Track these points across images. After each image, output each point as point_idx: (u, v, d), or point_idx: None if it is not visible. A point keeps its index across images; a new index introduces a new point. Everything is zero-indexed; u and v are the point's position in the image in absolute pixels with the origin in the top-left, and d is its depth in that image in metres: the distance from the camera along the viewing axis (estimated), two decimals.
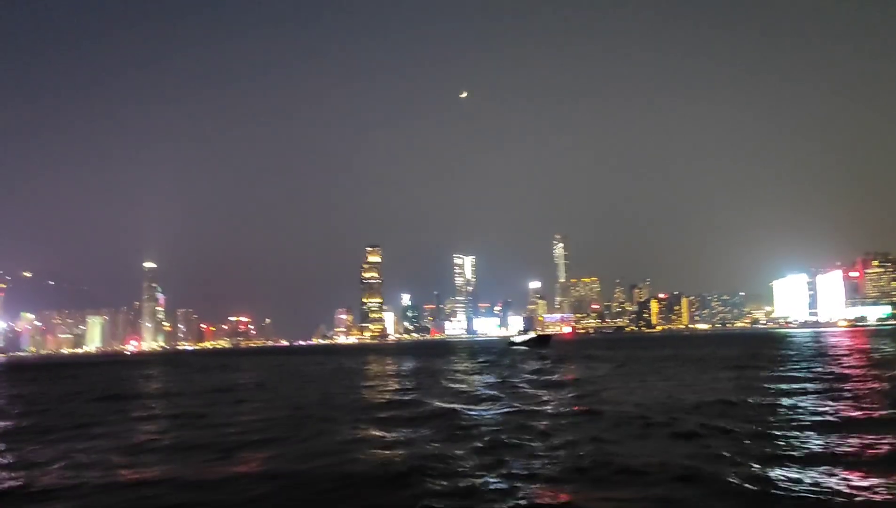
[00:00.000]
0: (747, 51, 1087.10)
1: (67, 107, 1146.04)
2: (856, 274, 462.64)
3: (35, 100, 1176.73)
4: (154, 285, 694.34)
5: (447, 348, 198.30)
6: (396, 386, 51.01)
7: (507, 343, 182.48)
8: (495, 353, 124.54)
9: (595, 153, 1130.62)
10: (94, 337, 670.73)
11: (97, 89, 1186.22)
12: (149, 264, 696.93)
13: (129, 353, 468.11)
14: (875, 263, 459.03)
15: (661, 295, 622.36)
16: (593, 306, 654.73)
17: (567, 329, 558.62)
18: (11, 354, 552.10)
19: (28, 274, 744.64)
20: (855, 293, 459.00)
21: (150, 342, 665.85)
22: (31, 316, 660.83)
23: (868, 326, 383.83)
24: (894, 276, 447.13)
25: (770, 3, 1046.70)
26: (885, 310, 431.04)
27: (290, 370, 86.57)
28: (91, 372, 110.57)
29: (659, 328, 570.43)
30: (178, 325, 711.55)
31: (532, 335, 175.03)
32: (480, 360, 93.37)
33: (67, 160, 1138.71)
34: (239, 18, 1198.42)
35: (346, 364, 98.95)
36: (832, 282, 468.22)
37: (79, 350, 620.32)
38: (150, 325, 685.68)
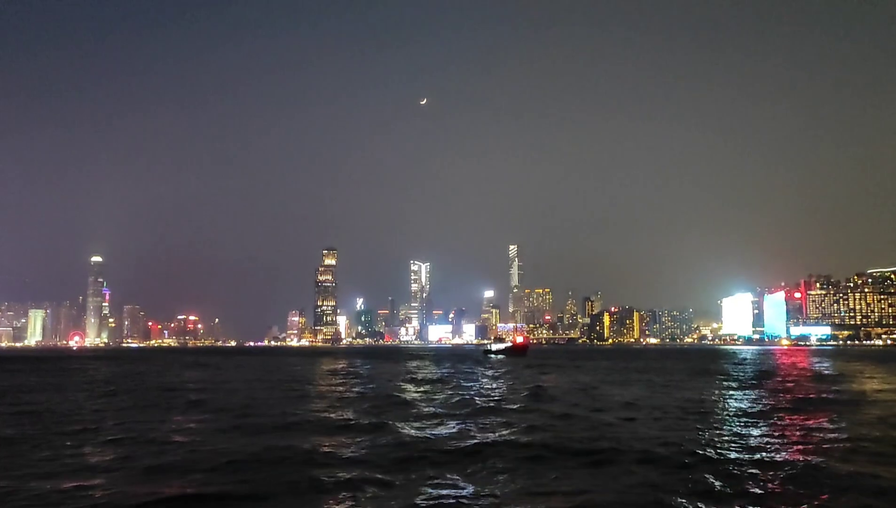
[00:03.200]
0: (701, 73, 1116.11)
1: (14, 96, 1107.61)
2: (799, 295, 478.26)
3: None
4: (100, 279, 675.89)
5: (419, 355, 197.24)
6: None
7: (483, 352, 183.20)
8: (478, 361, 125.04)
9: (552, 166, 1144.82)
10: (34, 331, 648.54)
11: (46, 80, 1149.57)
12: (95, 258, 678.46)
13: (74, 349, 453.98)
14: (818, 285, 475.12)
15: (613, 309, 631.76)
16: (546, 317, 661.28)
17: (520, 339, 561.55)
18: None
19: None
20: (798, 313, 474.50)
21: (93, 338, 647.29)
22: None
23: (809, 345, 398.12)
24: (835, 298, 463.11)
25: (718, 25, 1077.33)
26: (825, 331, 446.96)
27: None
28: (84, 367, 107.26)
29: (610, 341, 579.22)
30: (124, 321, 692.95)
31: (509, 344, 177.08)
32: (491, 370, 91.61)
33: (13, 151, 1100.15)
34: (189, 14, 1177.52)
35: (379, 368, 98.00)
36: (777, 302, 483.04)
37: (18, 344, 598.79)
38: (94, 320, 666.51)
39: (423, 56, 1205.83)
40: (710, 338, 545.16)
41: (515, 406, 37.93)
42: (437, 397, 44.64)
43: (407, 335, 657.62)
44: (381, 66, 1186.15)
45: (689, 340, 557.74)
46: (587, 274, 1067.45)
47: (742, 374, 74.87)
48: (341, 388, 54.39)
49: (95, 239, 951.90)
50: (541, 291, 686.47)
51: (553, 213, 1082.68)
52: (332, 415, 33.90)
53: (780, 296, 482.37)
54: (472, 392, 48.08)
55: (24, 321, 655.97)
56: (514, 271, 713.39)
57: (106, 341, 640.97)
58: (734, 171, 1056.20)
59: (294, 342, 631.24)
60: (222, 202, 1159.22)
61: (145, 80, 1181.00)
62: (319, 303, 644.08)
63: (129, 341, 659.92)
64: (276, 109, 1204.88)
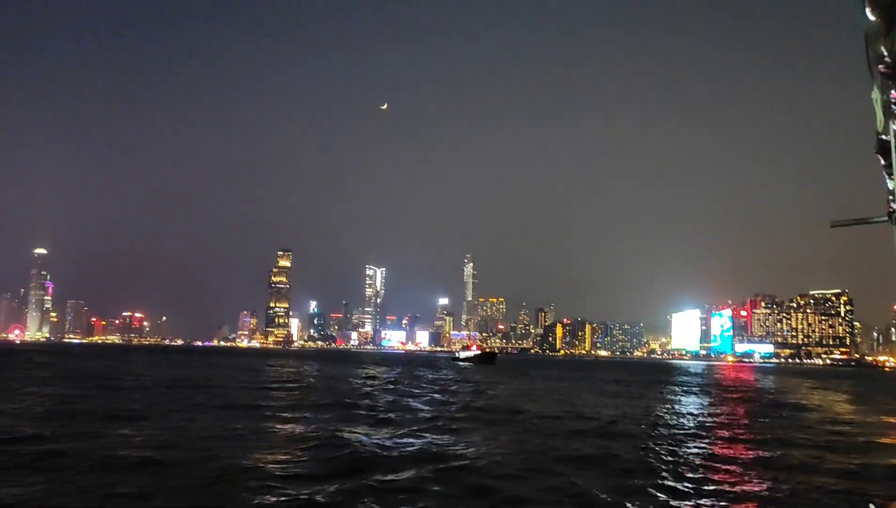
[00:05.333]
0: (655, 86, 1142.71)
1: None
2: (745, 313, 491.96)
3: None
4: (43, 272, 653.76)
5: (386, 360, 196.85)
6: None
7: (450, 358, 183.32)
8: (450, 367, 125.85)
9: (509, 176, 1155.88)
10: None
11: None
12: (39, 250, 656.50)
13: (17, 342, 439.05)
14: (763, 304, 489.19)
15: (566, 320, 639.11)
16: (499, 327, 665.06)
17: (473, 348, 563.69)
18: None
19: None
20: (743, 331, 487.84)
21: (34, 332, 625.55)
22: None
23: (753, 362, 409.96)
24: (779, 317, 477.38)
25: (676, 32, 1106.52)
26: (769, 349, 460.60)
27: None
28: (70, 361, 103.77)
29: (563, 352, 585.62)
30: (67, 316, 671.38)
31: (476, 352, 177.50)
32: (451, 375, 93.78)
33: None
34: (137, 12, 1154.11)
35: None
36: (723, 319, 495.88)
37: None
38: (35, 314, 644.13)
39: (384, 61, 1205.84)
40: (658, 352, 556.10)
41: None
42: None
43: (359, 339, 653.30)
44: (342, 69, 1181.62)
45: (639, 353, 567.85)
46: (540, 285, 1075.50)
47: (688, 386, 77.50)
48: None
49: (40, 231, 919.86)
50: (494, 300, 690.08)
51: (508, 223, 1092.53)
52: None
53: (727, 313, 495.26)
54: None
55: None
56: (469, 279, 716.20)
57: (47, 335, 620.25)
58: (686, 191, 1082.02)
59: (244, 343, 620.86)
60: (174, 200, 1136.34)
61: (92, 71, 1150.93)
62: (272, 304, 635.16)
63: (71, 336, 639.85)
64: (233, 107, 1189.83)
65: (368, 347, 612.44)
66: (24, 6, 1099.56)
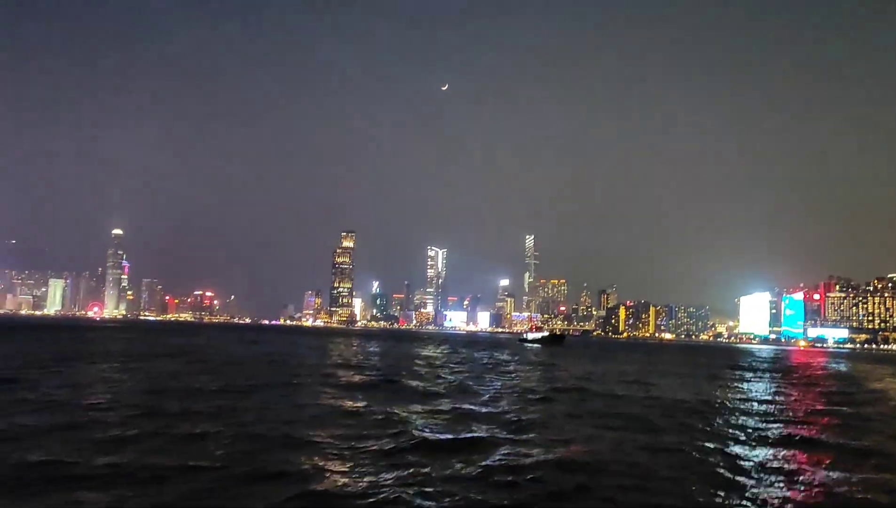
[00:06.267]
0: (721, 70, 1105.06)
1: (41, 65, 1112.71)
2: (818, 297, 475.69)
3: None
4: (120, 252, 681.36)
5: (460, 341, 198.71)
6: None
7: (518, 339, 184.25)
8: (518, 349, 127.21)
9: (572, 156, 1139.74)
10: (54, 300, 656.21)
11: (72, 51, 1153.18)
12: (116, 231, 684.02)
13: (97, 319, 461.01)
14: (837, 287, 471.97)
15: (629, 302, 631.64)
16: (560, 308, 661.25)
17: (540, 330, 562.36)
18: None
19: None
20: (816, 315, 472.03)
21: (111, 310, 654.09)
22: None
23: (826, 347, 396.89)
24: (854, 302, 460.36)
25: (745, 21, 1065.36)
26: (843, 333, 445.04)
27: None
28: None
29: (626, 334, 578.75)
30: (142, 294, 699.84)
31: (546, 333, 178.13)
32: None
33: (37, 122, 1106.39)
34: (227, 5, 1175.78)
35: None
36: (795, 302, 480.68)
37: (37, 313, 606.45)
38: (112, 292, 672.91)
39: (446, 41, 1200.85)
40: (725, 336, 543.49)
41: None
42: None
43: (421, 320, 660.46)
44: (404, 49, 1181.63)
45: (705, 337, 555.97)
46: (603, 267, 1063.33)
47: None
48: None
49: (117, 212, 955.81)
50: (556, 281, 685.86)
51: (571, 204, 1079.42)
52: None
53: (799, 297, 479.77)
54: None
55: (44, 289, 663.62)
56: (531, 260, 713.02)
57: (124, 313, 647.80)
58: (756, 170, 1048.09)
59: (309, 322, 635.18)
60: (242, 181, 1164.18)
61: (170, 53, 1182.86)
62: (336, 285, 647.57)
63: (147, 313, 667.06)
64: (299, 88, 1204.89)
65: (430, 327, 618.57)
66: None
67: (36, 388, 31.55)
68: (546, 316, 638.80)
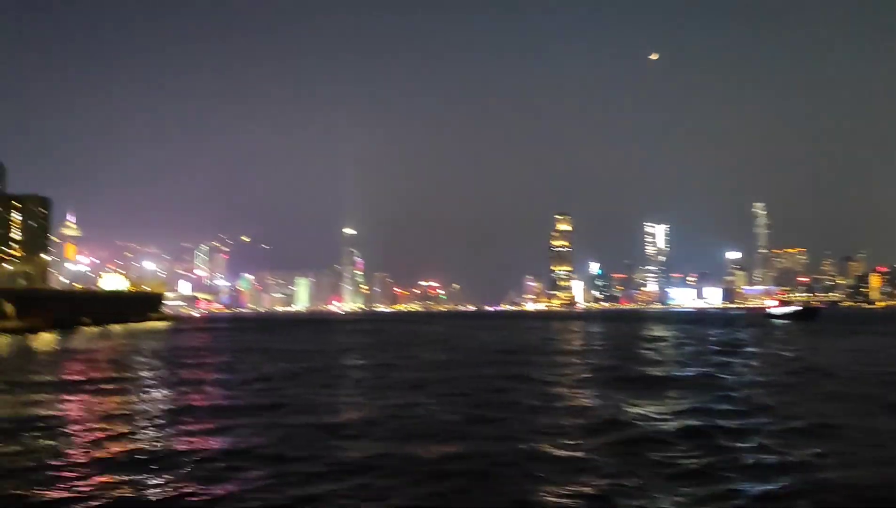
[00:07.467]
0: None
1: (268, 80, 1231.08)
2: None
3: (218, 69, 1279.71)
4: (352, 250, 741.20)
5: (696, 320, 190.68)
6: None
7: (764, 315, 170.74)
8: (763, 326, 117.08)
9: (793, 111, 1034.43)
10: (301, 297, 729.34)
11: (310, 54, 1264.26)
12: (348, 231, 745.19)
13: (342, 313, 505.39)
14: None
15: (881, 268, 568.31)
16: (800, 279, 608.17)
17: (773, 303, 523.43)
18: (236, 310, 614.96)
19: (246, 239, 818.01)
20: None
21: (349, 304, 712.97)
22: (250, 277, 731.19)
23: None
24: None
25: None
26: None
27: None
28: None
29: (880, 303, 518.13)
30: (374, 288, 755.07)
31: (796, 307, 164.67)
32: None
33: (278, 143, 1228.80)
34: None
35: None
36: None
37: (289, 309, 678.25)
38: (349, 287, 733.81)
39: (654, 9, 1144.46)
40: None
41: None
42: None
43: (645, 299, 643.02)
44: (609, 20, 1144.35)
45: None
46: (844, 232, 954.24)
47: None
48: None
49: (348, 213, 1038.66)
50: (793, 250, 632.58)
51: (803, 166, 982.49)
52: None
53: None
54: None
55: (292, 288, 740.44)
56: (761, 230, 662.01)
57: (361, 306, 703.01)
58: None
59: (530, 307, 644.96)
60: (457, 172, 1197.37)
61: (406, 64, 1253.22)
62: (554, 268, 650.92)
63: (379, 305, 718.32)
64: (511, 78, 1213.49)
65: (655, 306, 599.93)
66: None
67: None
68: (784, 289, 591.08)
